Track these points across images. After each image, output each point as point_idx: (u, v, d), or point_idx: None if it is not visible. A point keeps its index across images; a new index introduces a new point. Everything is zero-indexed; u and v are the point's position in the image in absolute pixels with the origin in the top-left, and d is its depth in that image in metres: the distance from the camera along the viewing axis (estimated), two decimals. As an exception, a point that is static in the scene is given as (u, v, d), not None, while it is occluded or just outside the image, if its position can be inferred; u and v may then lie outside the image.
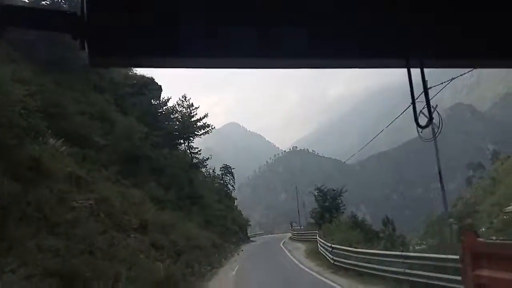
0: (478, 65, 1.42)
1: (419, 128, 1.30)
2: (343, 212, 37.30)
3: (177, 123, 40.92)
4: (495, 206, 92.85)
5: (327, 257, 19.41)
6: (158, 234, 16.76)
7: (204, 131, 44.59)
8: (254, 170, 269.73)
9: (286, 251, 28.98)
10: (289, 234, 51.96)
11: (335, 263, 17.45)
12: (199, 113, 45.21)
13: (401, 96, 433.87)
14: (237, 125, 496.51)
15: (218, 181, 56.31)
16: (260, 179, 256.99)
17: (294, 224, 65.44)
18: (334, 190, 38.39)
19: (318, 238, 26.63)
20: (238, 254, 30.19)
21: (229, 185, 60.00)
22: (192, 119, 42.89)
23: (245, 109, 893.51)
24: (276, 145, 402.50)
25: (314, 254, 23.77)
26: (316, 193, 39.18)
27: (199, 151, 47.03)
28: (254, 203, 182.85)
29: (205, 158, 48.81)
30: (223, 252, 28.23)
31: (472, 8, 1.14)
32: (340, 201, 37.92)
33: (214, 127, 46.55)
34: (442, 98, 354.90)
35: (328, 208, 37.24)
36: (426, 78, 1.21)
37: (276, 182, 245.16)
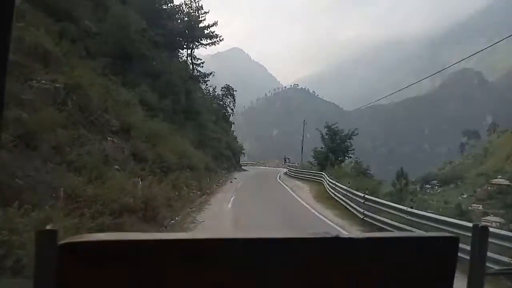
0: None
1: None
2: (350, 157, 35.06)
3: (182, 25, 35.58)
4: (482, 176, 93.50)
5: (347, 206, 15.42)
6: (143, 143, 13.53)
7: (210, 41, 39.42)
8: (252, 101, 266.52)
9: (288, 189, 25.04)
10: (283, 170, 49.28)
11: (365, 218, 12.91)
12: (208, 21, 40.97)
13: (411, 52, 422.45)
14: (241, 51, 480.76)
15: (218, 101, 52.64)
16: (256, 110, 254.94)
17: (287, 159, 63.42)
18: (343, 132, 35.57)
19: (326, 179, 23.43)
20: (231, 182, 27.09)
21: (228, 108, 56.07)
22: (200, 25, 37.78)
23: (251, 36, 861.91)
24: (277, 79, 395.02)
25: (325, 199, 19.29)
26: (325, 132, 35.92)
27: (202, 63, 42.41)
28: (246, 134, 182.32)
29: (207, 73, 44.39)
30: (215, 177, 25.21)
31: None
32: (349, 144, 35.06)
33: (223, 39, 40.86)
34: (450, 61, 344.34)
35: (334, 149, 34.59)
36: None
37: (271, 116, 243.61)
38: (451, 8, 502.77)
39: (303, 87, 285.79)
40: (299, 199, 19.64)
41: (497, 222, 65.26)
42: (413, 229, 9.21)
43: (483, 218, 63.37)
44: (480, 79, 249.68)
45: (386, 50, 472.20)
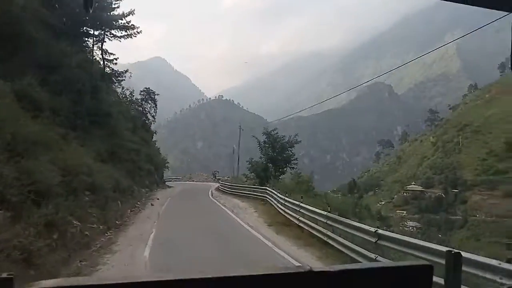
0: None
1: None
2: (293, 167, 31.03)
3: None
4: (397, 183, 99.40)
5: (329, 240, 10.09)
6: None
7: (126, 33, 33.25)
8: (175, 112, 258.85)
9: (228, 211, 19.87)
10: (214, 184, 45.06)
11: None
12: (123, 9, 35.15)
13: (329, 64, 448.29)
14: (163, 61, 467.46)
15: (136, 107, 46.53)
16: (180, 122, 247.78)
17: (216, 172, 60.87)
18: (284, 138, 31.31)
19: (275, 196, 19.44)
20: (152, 205, 21.47)
21: (148, 115, 49.10)
22: (112, 12, 31.20)
23: (175, 46, 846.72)
24: (202, 91, 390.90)
25: (283, 225, 14.18)
26: (263, 140, 31.36)
27: (116, 59, 35.53)
28: (170, 146, 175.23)
29: (121, 72, 37.42)
30: (130, 199, 20.23)
31: None
32: (291, 152, 31.09)
33: (141, 31, 34.89)
34: (364, 75, 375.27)
35: (275, 159, 30.53)
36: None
37: (196, 128, 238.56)
38: (365, 24, 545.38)
39: (228, 99, 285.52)
40: (246, 226, 14.44)
41: (413, 226, 69.74)
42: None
43: (401, 223, 66.99)
44: (390, 92, 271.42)
45: (306, 62, 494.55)
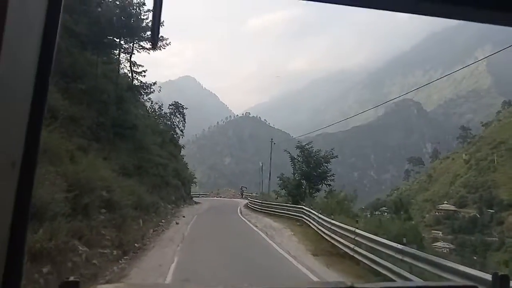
0: None
1: None
2: (329, 184, 28.39)
3: (116, 19, 25.97)
4: (428, 202, 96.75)
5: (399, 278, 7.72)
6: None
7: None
8: (203, 129, 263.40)
9: (261, 233, 17.33)
10: (241, 201, 43.59)
11: None
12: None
13: (356, 81, 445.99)
14: (193, 80, 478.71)
15: (165, 121, 45.66)
16: (208, 139, 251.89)
17: (244, 188, 60.41)
18: (319, 152, 28.89)
19: (313, 216, 17.37)
20: (177, 224, 19.28)
21: (177, 128, 47.51)
22: (142, 24, 28.87)
23: (204, 65, 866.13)
24: (229, 108, 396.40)
25: (333, 255, 11.76)
26: (297, 154, 29.15)
27: (144, 71, 33.21)
28: (198, 162, 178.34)
29: (151, 83, 34.95)
30: (153, 217, 18.40)
31: None
32: (326, 168, 28.54)
33: (170, 43, 33.35)
34: (391, 92, 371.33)
35: (309, 175, 28.19)
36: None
37: (223, 144, 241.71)
38: (389, 43, 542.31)
39: (255, 116, 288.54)
40: (287, 255, 11.92)
41: (446, 247, 67.57)
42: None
43: (433, 244, 65.15)
44: (419, 108, 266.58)
45: (332, 81, 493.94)
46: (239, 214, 28.25)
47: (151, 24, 0.84)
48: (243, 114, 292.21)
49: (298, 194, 27.78)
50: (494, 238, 62.82)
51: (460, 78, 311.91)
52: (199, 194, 60.55)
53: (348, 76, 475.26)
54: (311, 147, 29.57)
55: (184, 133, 49.72)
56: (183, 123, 48.33)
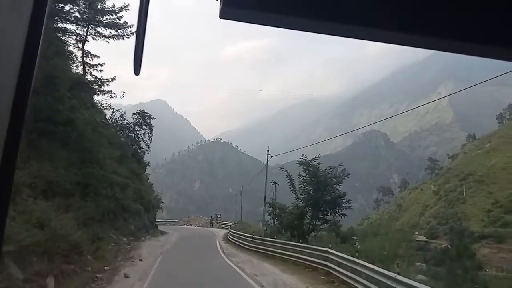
0: None
1: None
2: (344, 215, 22.80)
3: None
4: (399, 232, 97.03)
5: None
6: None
7: (115, 33, 26.67)
8: (173, 153, 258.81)
9: None
10: (217, 231, 38.98)
11: None
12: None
13: (326, 111, 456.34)
14: (165, 104, 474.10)
15: (127, 132, 39.45)
16: (178, 163, 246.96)
17: (218, 216, 55.48)
18: (331, 171, 22.53)
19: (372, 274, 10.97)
20: (126, 278, 12.27)
21: (142, 142, 40.73)
22: (99, 5, 25.33)
23: (177, 90, 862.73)
24: (201, 133, 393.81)
25: None
26: (298, 173, 23.13)
27: (101, 64, 28.01)
28: (166, 187, 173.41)
29: (108, 79, 28.66)
30: (87, 265, 11.94)
31: None
32: (338, 191, 22.35)
33: (133, 32, 29.53)
34: (359, 123, 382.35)
35: (318, 201, 21.76)
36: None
37: (194, 169, 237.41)
38: (359, 75, 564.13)
39: (226, 141, 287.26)
40: None
41: (420, 279, 66.81)
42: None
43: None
44: (386, 140, 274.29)
45: (304, 108, 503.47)
46: (222, 254, 20.90)
47: (135, 47, 0.80)
48: (214, 139, 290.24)
49: (300, 227, 22.09)
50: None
51: (424, 112, 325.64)
52: (166, 221, 55.02)
53: (319, 106, 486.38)
54: (319, 162, 23.11)
55: (150, 148, 42.35)
56: (149, 136, 41.17)
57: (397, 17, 0.78)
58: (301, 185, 22.99)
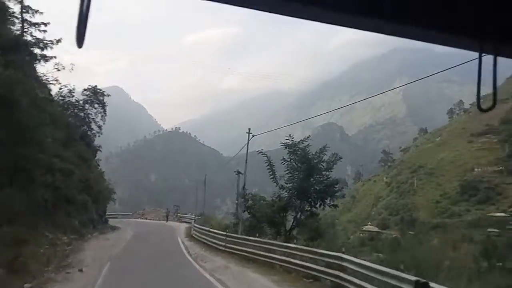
0: None
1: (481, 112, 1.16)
2: (335, 205, 20.62)
3: None
4: (352, 223, 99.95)
5: None
6: None
7: None
8: (129, 143, 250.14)
9: None
10: (177, 225, 35.99)
11: None
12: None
13: (286, 103, 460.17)
14: (121, 91, 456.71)
15: (75, 111, 34.89)
16: (133, 153, 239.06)
17: (177, 208, 52.51)
18: (320, 154, 19.49)
19: None
20: None
21: (93, 124, 36.36)
22: None
23: (135, 77, 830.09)
24: (158, 122, 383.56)
25: None
26: (282, 158, 19.96)
27: (45, 24, 24.12)
28: (120, 178, 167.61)
29: (52, 40, 24.86)
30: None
31: None
32: (328, 178, 19.44)
33: None
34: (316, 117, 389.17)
35: (306, 189, 18.75)
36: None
37: (150, 160, 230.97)
38: (320, 68, 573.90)
39: (185, 131, 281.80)
40: None
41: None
42: None
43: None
44: (342, 132, 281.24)
45: (264, 101, 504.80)
46: (189, 258, 17.42)
47: (78, 15, 0.75)
48: (172, 129, 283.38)
49: (281, 222, 19.33)
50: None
51: (379, 106, 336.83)
52: (118, 214, 51.23)
53: (280, 97, 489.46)
54: (308, 144, 19.93)
55: (102, 131, 37.63)
56: (102, 116, 36.75)
57: (369, 3, 0.79)
58: (287, 171, 19.67)
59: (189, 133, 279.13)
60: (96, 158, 37.03)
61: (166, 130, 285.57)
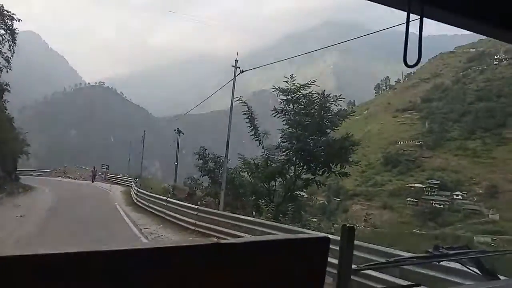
0: (481, 32, 1.33)
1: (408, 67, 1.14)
2: (345, 174, 16.99)
3: None
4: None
5: None
6: None
7: None
8: (46, 96, 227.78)
9: None
10: (103, 186, 32.53)
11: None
12: None
13: (218, 67, 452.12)
14: (38, 37, 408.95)
15: None
16: (51, 106, 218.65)
17: (106, 167, 48.81)
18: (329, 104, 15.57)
19: None
20: None
21: None
22: None
23: (55, 23, 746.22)
24: (80, 75, 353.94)
25: None
26: (274, 108, 16.73)
27: None
28: (37, 131, 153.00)
29: None
30: None
31: None
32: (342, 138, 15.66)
33: None
34: (251, 80, 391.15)
35: (309, 151, 14.99)
36: None
37: (71, 115, 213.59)
38: (254, 35, 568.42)
39: (110, 87, 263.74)
40: None
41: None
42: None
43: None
44: (274, 100, 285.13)
45: (195, 63, 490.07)
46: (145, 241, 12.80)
47: None
48: (96, 83, 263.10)
49: (269, 193, 15.36)
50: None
51: (309, 78, 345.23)
52: (33, 171, 46.09)
53: (211, 60, 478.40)
54: (312, 91, 15.98)
55: (11, 64, 30.60)
56: (11, 47, 30.36)
57: None
58: (287, 125, 15.56)
59: (115, 89, 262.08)
60: (3, 99, 30.68)
61: (89, 83, 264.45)
